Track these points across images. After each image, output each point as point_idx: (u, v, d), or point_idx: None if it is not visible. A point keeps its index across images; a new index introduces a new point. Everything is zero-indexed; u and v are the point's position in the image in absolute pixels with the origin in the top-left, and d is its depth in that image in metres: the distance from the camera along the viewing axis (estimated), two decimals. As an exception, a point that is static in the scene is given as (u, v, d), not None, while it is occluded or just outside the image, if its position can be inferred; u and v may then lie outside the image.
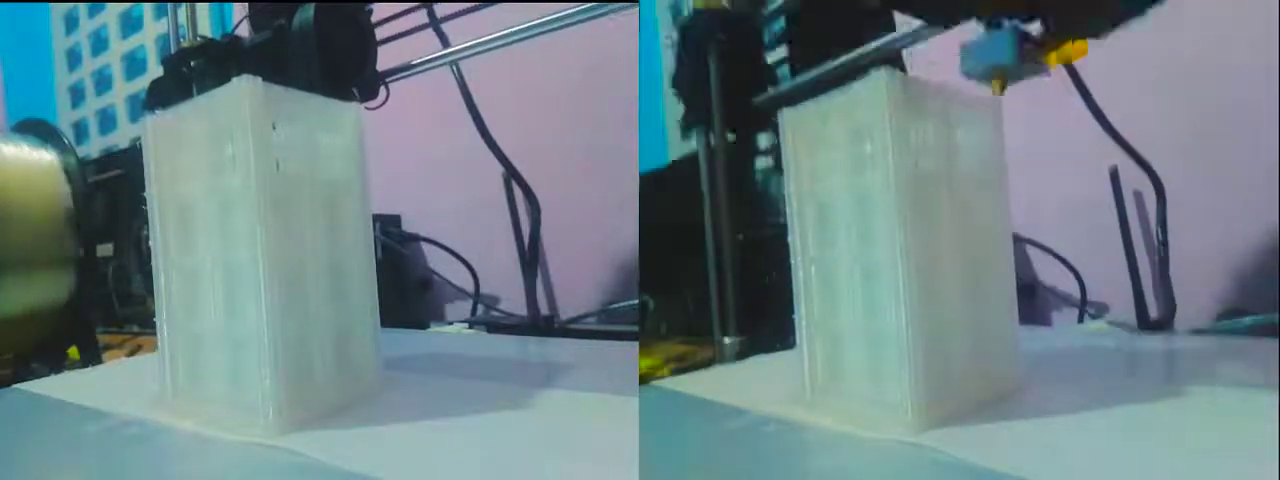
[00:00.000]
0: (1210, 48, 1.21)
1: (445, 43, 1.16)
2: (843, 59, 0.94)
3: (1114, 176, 1.23)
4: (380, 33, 1.04)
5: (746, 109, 1.10)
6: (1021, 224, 1.36)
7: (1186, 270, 1.21)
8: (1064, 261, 1.36)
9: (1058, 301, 1.43)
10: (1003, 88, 0.65)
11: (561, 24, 0.93)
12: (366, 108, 0.81)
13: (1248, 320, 1.08)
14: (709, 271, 1.08)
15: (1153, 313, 1.21)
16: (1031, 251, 1.41)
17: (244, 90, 0.61)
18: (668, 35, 1.32)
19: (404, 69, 1.05)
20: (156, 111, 0.70)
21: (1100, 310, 1.36)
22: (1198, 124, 1.23)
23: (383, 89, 1.03)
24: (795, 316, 0.69)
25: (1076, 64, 1.11)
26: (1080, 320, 1.34)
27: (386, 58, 1.05)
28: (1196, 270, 1.22)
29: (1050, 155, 1.34)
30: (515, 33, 0.95)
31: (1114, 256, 1.25)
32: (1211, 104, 1.22)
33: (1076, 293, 1.36)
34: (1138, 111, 1.20)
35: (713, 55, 1.08)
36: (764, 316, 1.06)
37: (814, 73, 0.98)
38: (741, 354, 1.01)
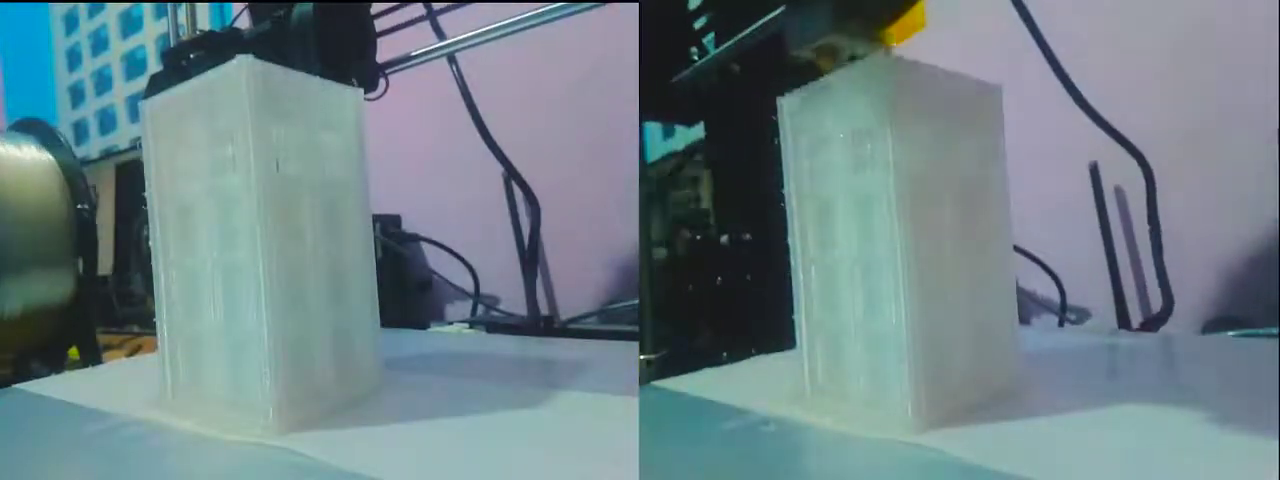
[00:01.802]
0: (1205, 37, 1.20)
1: (441, 37, 1.17)
2: (759, 23, 0.81)
3: (1094, 172, 1.21)
4: (379, 25, 1.04)
5: (669, 93, 0.98)
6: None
7: (1176, 268, 1.19)
8: (1043, 266, 1.33)
9: (1037, 308, 1.41)
10: (832, 64, 0.62)
11: (561, 14, 0.93)
12: (366, 98, 0.82)
13: (1232, 334, 1.06)
14: (642, 279, 1.03)
15: (1135, 315, 1.19)
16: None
17: (243, 69, 0.61)
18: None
19: (403, 60, 1.05)
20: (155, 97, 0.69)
21: (1081, 316, 1.35)
22: (1191, 117, 1.22)
23: (382, 80, 1.03)
24: (795, 316, 0.69)
25: (1060, 55, 1.10)
26: (1060, 325, 1.33)
27: (387, 51, 1.05)
28: (1186, 269, 1.21)
29: (1031, 154, 1.34)
30: (515, 23, 0.96)
31: (1093, 260, 1.23)
32: (1205, 97, 1.21)
33: (1056, 297, 1.34)
34: (1129, 103, 1.19)
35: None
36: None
37: (731, 42, 0.87)
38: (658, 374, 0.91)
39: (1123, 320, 1.17)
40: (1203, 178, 1.20)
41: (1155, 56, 1.24)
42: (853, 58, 0.62)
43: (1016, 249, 1.34)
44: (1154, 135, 1.18)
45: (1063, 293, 1.33)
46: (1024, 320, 1.41)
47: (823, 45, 0.60)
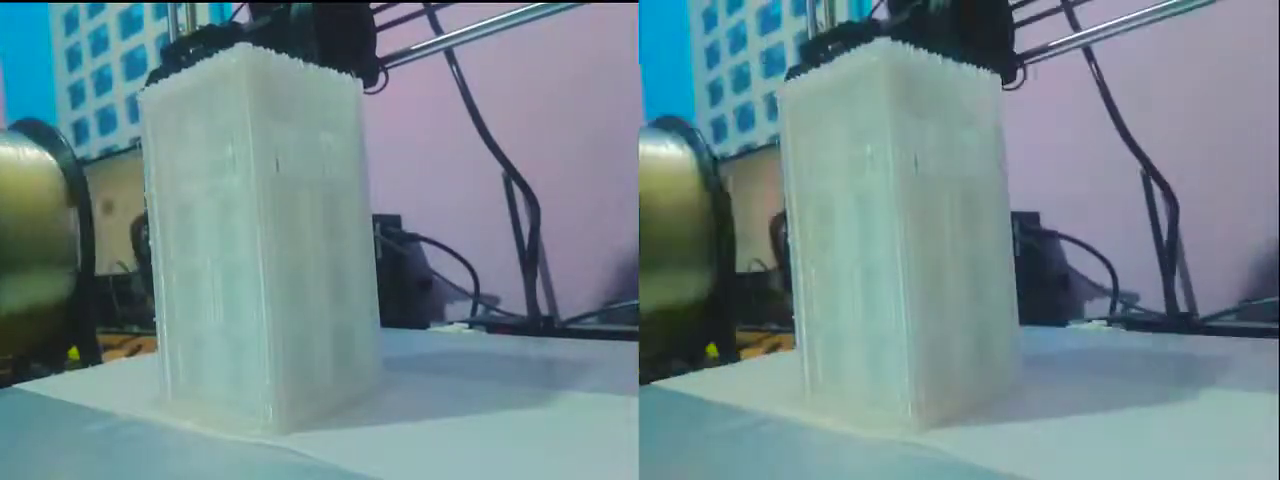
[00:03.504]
0: (1232, 60, 1.23)
1: (438, 32, 1.17)
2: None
3: (1145, 178, 1.25)
4: (378, 20, 1.05)
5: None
6: (1055, 218, 1.44)
7: (1200, 273, 1.24)
8: (1097, 254, 1.38)
9: (1091, 291, 1.46)
10: None
11: (559, 9, 0.93)
12: (365, 92, 0.82)
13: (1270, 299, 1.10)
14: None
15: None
16: (1064, 243, 1.45)
17: (242, 61, 0.61)
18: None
19: (403, 54, 1.05)
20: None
21: (1131, 299, 1.38)
22: (1217, 133, 1.25)
23: (382, 75, 1.03)
24: (795, 317, 0.69)
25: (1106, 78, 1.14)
26: (1112, 310, 1.37)
27: (387, 46, 1.05)
28: (1209, 272, 1.24)
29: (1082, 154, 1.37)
30: (515, 17, 0.96)
31: (1137, 250, 1.27)
32: (1231, 114, 1.24)
33: (1108, 283, 1.39)
34: (1158, 119, 1.23)
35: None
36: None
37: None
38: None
39: (1172, 312, 1.22)
40: (1234, 183, 1.24)
41: (1193, 83, 1.28)
42: None
43: (1070, 239, 1.41)
44: (1192, 145, 1.23)
45: (1115, 279, 1.37)
46: (1078, 305, 1.48)
47: None
